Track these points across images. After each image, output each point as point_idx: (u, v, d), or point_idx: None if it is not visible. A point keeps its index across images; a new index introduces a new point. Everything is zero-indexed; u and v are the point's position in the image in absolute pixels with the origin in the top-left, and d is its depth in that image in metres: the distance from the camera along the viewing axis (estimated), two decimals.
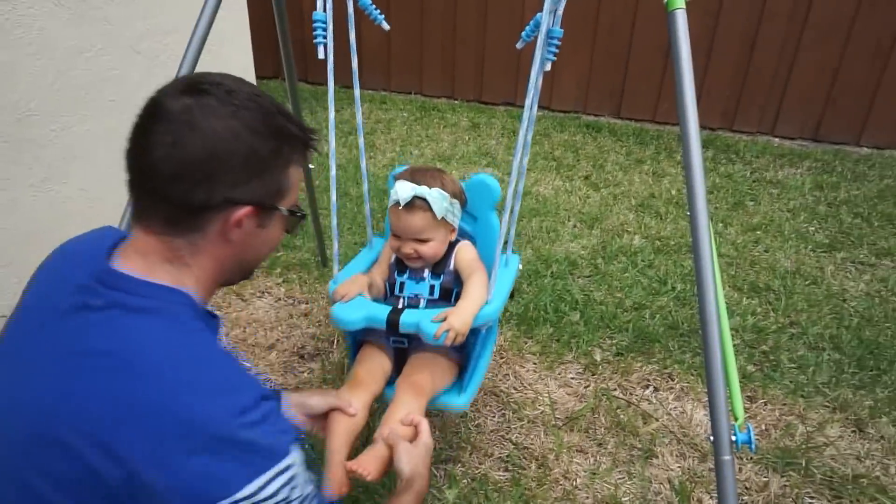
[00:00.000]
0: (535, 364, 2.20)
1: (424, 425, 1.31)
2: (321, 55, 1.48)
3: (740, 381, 1.81)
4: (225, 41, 3.06)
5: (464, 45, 4.95)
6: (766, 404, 2.04)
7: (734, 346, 2.20)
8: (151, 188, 0.87)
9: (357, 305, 1.47)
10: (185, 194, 0.85)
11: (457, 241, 1.62)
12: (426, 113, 4.76)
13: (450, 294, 1.58)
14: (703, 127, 4.58)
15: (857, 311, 2.51)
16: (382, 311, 1.44)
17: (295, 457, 0.82)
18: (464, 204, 1.64)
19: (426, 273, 1.59)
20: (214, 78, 0.89)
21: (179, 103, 0.85)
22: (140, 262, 0.89)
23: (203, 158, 0.84)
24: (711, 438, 1.04)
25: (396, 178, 1.56)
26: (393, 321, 1.41)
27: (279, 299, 2.52)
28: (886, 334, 2.37)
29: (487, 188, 1.66)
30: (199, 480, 0.74)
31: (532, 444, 1.86)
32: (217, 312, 1.05)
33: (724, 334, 1.13)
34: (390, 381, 1.53)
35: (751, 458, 1.83)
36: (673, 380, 2.15)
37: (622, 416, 1.96)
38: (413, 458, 1.23)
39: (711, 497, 1.71)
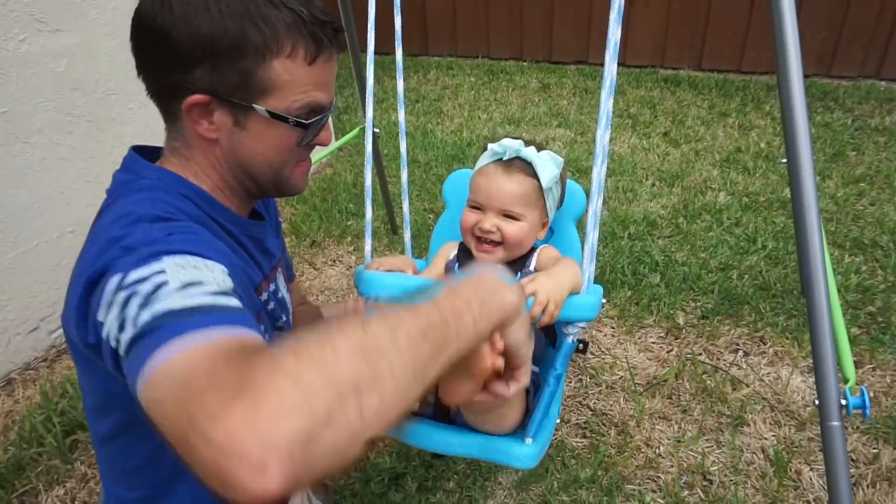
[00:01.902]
0: (612, 328, 2.10)
1: None
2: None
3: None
4: None
5: (531, 1, 4.76)
6: (874, 370, 1.86)
7: None
8: (137, 63, 0.84)
9: (396, 280, 1.12)
10: (150, 79, 0.82)
11: (536, 247, 1.27)
12: (494, 76, 4.63)
13: None
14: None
15: None
16: (427, 281, 1.12)
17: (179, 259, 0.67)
18: (562, 200, 1.31)
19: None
20: None
21: None
22: (162, 153, 0.90)
23: (154, 33, 0.78)
24: (816, 402, 0.93)
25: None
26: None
27: (350, 267, 2.53)
28: None
29: (572, 196, 1.34)
30: (87, 278, 0.69)
31: (611, 410, 1.78)
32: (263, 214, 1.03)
33: (832, 287, 1.00)
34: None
35: (857, 428, 1.67)
36: (765, 343, 1.99)
37: (709, 382, 1.84)
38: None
39: (812, 468, 1.57)
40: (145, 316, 0.59)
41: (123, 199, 0.81)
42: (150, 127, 2.37)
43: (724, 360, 1.94)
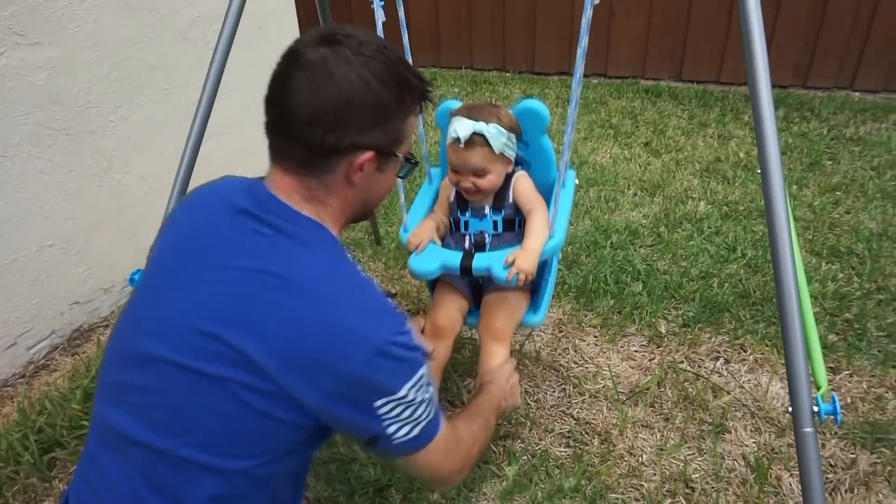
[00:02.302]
0: (595, 337, 2.12)
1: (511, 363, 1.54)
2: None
3: (822, 352, 1.68)
4: (272, 21, 3.07)
5: (513, 13, 4.81)
6: (851, 376, 1.89)
7: (813, 314, 2.06)
8: (290, 131, 0.94)
9: (431, 255, 1.56)
10: (318, 138, 0.93)
11: (513, 172, 1.62)
12: (477, 87, 4.66)
13: (513, 224, 1.62)
14: (773, 85, 4.28)
15: None
16: (455, 257, 1.53)
17: (425, 367, 0.95)
18: (519, 136, 1.61)
19: (487, 210, 1.62)
20: (347, 30, 0.95)
21: (317, 53, 0.92)
22: (287, 199, 0.98)
23: (337, 106, 0.92)
24: (790, 409, 0.94)
25: (452, 114, 1.56)
26: (466, 266, 1.52)
27: None
28: None
29: (535, 114, 1.61)
30: (366, 386, 0.88)
31: (594, 419, 1.79)
32: None
33: (803, 294, 1.02)
34: (470, 311, 1.70)
35: (835, 433, 1.69)
36: (745, 351, 2.02)
37: (690, 390, 1.86)
38: (493, 369, 1.49)
39: (791, 474, 1.59)
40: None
41: (326, 275, 0.94)
42: (131, 139, 2.36)
43: (706, 367, 1.96)
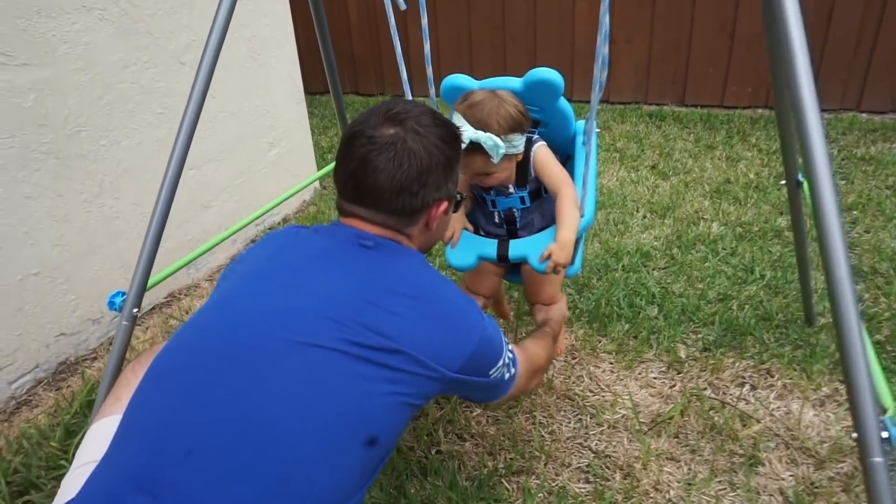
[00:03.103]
0: (611, 364, 1.99)
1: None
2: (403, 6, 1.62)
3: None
4: (270, 48, 3.02)
5: (514, 42, 4.80)
6: None
7: None
8: (378, 201, 1.09)
9: (467, 246, 1.59)
10: (408, 203, 1.09)
11: (532, 142, 1.55)
12: None
13: (539, 192, 1.61)
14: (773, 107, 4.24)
15: None
16: (490, 246, 1.56)
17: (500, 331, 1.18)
18: (525, 127, 1.49)
19: (512, 188, 1.59)
20: (401, 106, 1.11)
21: (391, 133, 1.07)
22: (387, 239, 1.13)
23: (420, 173, 1.08)
24: (854, 436, 0.82)
25: (455, 109, 1.47)
26: (503, 255, 1.55)
27: None
28: None
29: (549, 85, 1.47)
30: (477, 359, 1.07)
31: (615, 451, 1.65)
32: None
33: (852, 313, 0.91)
34: (509, 272, 1.75)
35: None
36: (772, 376, 1.89)
37: (717, 419, 1.73)
38: (547, 311, 1.67)
39: None
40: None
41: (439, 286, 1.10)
42: (123, 164, 2.28)
43: (731, 394, 1.83)
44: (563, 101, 1.55)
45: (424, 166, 1.08)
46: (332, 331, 0.91)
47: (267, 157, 3.12)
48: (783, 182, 1.71)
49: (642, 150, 3.74)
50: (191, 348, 0.95)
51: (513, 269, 1.73)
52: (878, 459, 0.80)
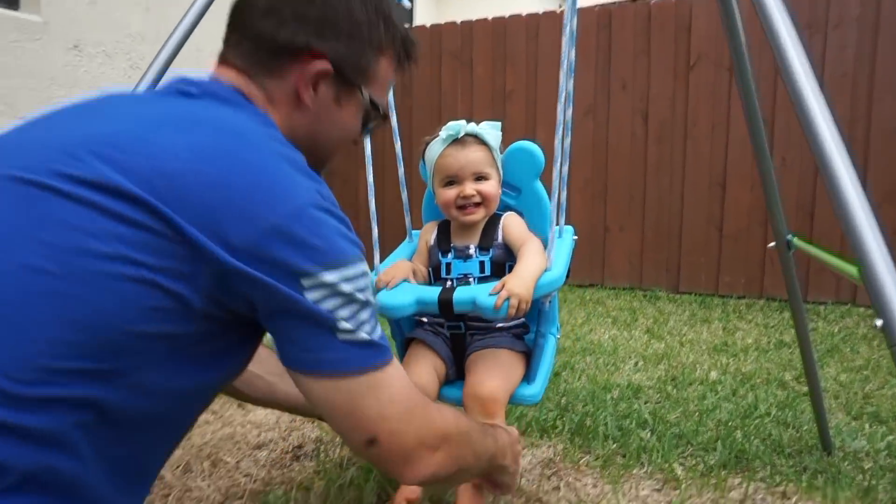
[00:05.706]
0: (593, 478, 1.67)
1: None
2: None
3: None
4: None
5: None
6: None
7: (869, 469, 1.66)
8: (242, 22, 0.87)
9: (404, 289, 1.32)
10: (272, 29, 0.84)
11: (500, 214, 1.47)
12: None
13: (502, 269, 1.40)
14: (773, 298, 4.22)
15: None
16: (432, 291, 1.28)
17: (365, 265, 0.78)
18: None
19: (473, 249, 1.42)
20: None
21: None
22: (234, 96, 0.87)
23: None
24: None
25: (428, 142, 1.46)
26: (445, 300, 1.24)
27: None
28: None
29: (529, 155, 1.48)
30: (287, 245, 0.70)
31: None
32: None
33: None
34: (450, 382, 1.42)
35: None
36: (789, 499, 1.56)
37: None
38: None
39: None
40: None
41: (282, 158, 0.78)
42: None
43: None
44: (541, 186, 1.52)
45: None
46: (53, 164, 0.69)
47: None
48: (772, 244, 1.63)
49: (635, 319, 3.64)
50: None
51: (458, 377, 1.42)
52: None
